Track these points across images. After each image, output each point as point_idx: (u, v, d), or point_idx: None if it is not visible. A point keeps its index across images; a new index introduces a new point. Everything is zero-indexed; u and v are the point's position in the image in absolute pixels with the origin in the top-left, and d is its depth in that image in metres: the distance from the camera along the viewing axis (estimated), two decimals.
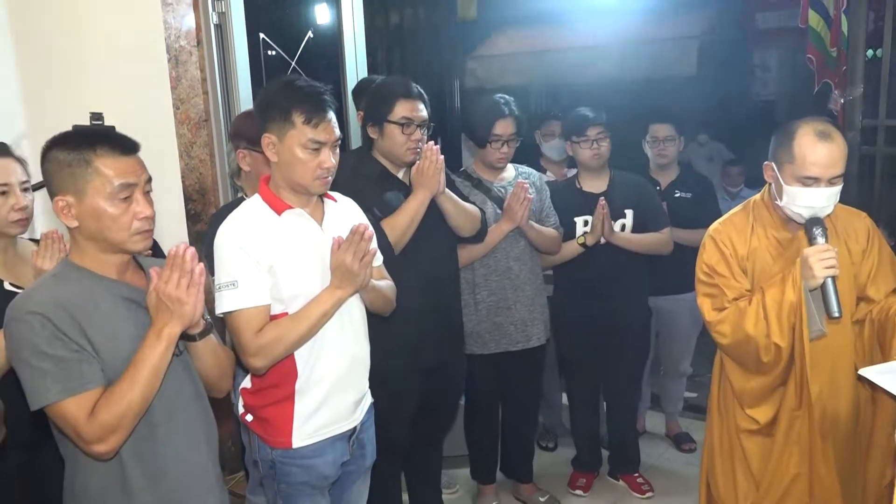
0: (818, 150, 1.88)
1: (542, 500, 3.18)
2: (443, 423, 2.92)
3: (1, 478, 1.99)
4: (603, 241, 2.98)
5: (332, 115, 1.84)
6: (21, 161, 2.03)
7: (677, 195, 3.40)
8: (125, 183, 1.53)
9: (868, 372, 1.81)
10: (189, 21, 2.91)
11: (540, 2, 6.28)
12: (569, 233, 3.03)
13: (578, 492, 3.30)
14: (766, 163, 2.02)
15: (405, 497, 2.82)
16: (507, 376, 2.98)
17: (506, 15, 6.66)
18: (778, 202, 2.00)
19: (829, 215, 1.96)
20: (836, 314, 1.81)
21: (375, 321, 2.08)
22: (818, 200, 1.91)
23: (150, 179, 1.61)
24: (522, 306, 2.88)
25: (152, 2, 2.81)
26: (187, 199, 3.01)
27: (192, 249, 1.56)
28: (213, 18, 2.95)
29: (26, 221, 2.02)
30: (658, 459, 3.58)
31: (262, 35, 3.33)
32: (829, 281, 1.83)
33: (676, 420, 3.80)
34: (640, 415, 3.68)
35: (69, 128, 1.56)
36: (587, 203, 3.04)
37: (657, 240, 3.08)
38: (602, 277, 3.04)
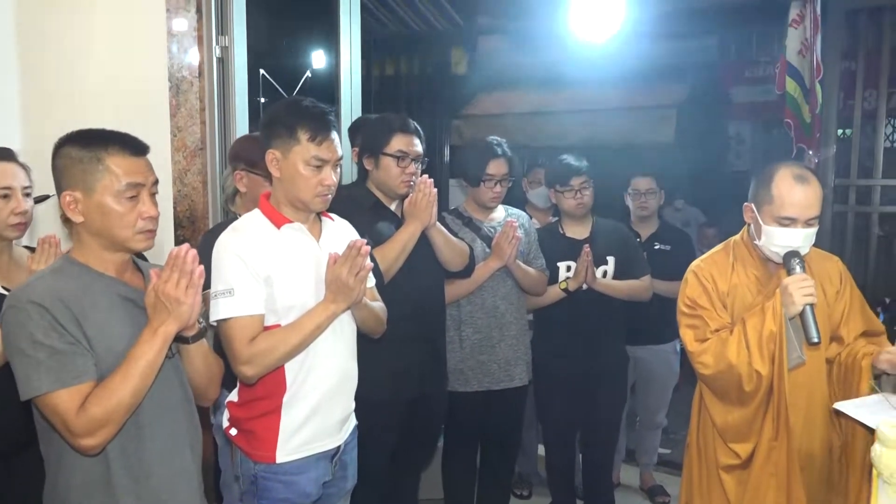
0: (795, 192, 1.98)
1: None
2: (422, 457, 2.90)
3: None
4: (585, 286, 3.04)
5: (335, 135, 1.90)
6: (25, 167, 2.06)
7: (657, 247, 3.50)
8: (133, 182, 1.58)
9: (844, 406, 1.87)
10: (193, 52, 2.99)
11: (527, 67, 6.54)
12: (551, 277, 3.08)
13: None
14: (745, 204, 2.11)
15: None
16: (487, 416, 2.97)
17: (492, 77, 6.92)
18: (757, 242, 2.08)
19: (804, 256, 2.04)
20: (816, 339, 1.88)
21: (361, 348, 2.09)
22: (795, 240, 1.99)
23: (156, 182, 1.66)
24: (507, 345, 2.90)
25: (158, 32, 2.89)
26: (177, 225, 3.02)
27: (193, 251, 1.59)
28: (216, 52, 3.05)
29: (24, 226, 2.04)
30: None
31: (262, 71, 3.43)
32: (808, 308, 1.90)
33: (651, 472, 3.80)
34: (614, 467, 3.67)
35: None
36: (570, 248, 3.10)
37: (638, 286, 3.15)
38: (582, 322, 3.07)
